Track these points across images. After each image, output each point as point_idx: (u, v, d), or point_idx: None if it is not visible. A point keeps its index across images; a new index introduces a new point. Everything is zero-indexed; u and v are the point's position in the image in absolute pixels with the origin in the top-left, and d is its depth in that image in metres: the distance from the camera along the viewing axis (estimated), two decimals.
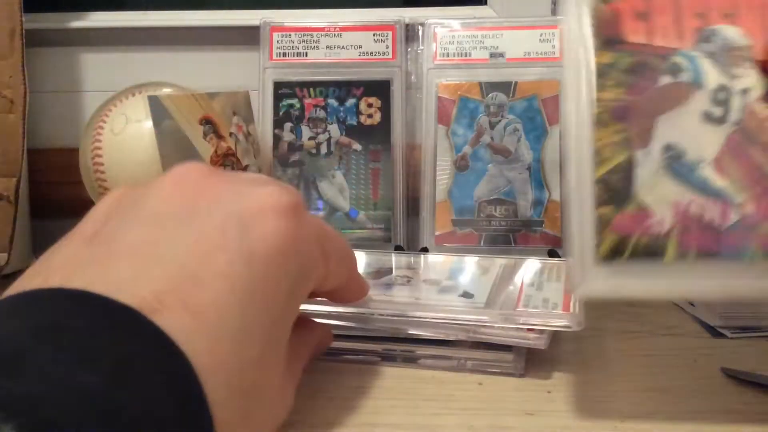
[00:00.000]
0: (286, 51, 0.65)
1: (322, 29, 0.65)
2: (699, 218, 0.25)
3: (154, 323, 0.21)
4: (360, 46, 0.65)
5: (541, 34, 0.62)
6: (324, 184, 0.64)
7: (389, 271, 0.50)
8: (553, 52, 0.61)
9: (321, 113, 0.64)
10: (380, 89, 0.64)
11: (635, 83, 0.26)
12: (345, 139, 0.64)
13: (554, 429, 0.31)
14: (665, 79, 0.27)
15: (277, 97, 0.65)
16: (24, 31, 0.60)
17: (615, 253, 0.25)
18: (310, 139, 0.65)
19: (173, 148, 0.55)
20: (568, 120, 0.26)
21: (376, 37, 0.65)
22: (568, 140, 0.26)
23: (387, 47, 0.65)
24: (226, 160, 0.59)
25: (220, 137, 0.59)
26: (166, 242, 0.24)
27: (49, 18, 0.69)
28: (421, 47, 0.64)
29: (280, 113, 0.65)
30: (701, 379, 0.37)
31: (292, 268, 0.26)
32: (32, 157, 0.65)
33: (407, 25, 0.65)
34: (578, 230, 0.25)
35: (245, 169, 0.61)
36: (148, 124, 0.54)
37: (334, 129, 0.64)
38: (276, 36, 0.65)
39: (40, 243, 0.68)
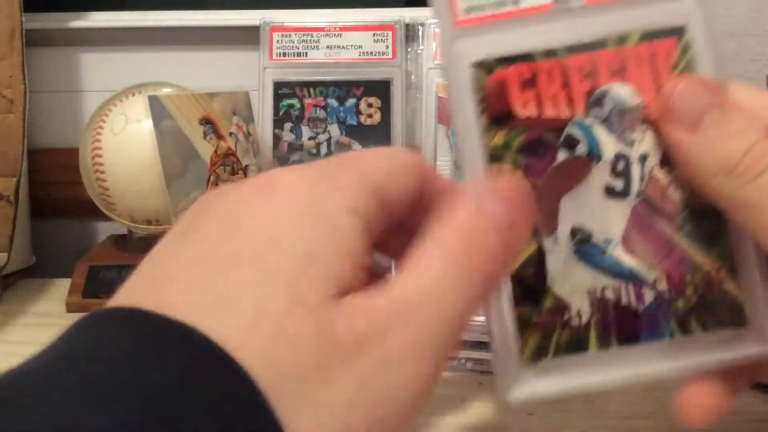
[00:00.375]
0: (286, 51, 0.65)
1: (322, 29, 0.65)
2: (616, 304, 0.24)
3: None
4: (360, 46, 0.65)
5: None
6: None
7: (390, 269, 0.50)
8: None
9: (321, 113, 0.64)
10: (380, 89, 0.64)
11: (532, 164, 0.24)
12: (345, 139, 0.64)
13: (554, 429, 0.31)
14: (562, 155, 0.25)
15: (277, 97, 0.65)
16: (24, 31, 0.60)
17: (539, 353, 0.24)
18: (310, 139, 0.65)
19: (173, 148, 0.55)
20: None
21: (376, 37, 0.65)
22: None
23: (387, 47, 0.65)
24: (226, 160, 0.59)
25: (220, 137, 0.59)
26: None
27: (49, 18, 0.69)
28: (421, 47, 0.64)
29: (280, 113, 0.65)
30: None
31: None
32: (32, 157, 0.65)
33: (407, 25, 0.65)
34: (499, 333, 0.24)
35: (245, 168, 0.61)
36: (148, 124, 0.54)
37: (334, 129, 0.64)
38: (276, 36, 0.65)
39: (39, 243, 0.68)
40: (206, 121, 0.57)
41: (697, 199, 0.24)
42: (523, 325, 0.24)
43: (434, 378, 0.20)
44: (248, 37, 0.67)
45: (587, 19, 0.25)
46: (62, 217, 0.71)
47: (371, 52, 0.65)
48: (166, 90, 0.59)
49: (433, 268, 0.20)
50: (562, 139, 0.25)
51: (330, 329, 0.18)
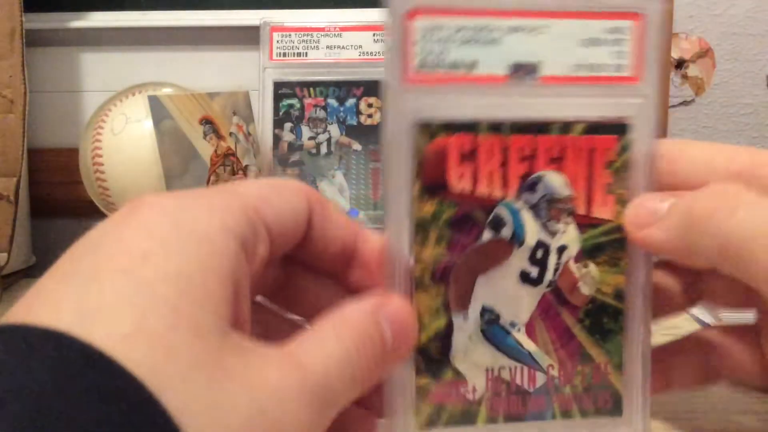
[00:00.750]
0: (286, 51, 0.65)
1: (322, 29, 0.65)
2: (509, 383, 0.25)
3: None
4: (360, 46, 0.65)
5: None
6: (324, 184, 0.64)
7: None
8: None
9: (321, 113, 0.64)
10: (380, 89, 0.64)
11: (457, 239, 0.24)
12: (345, 139, 0.64)
13: None
14: (487, 235, 0.25)
15: (277, 97, 0.65)
16: (24, 31, 0.60)
17: (432, 422, 0.25)
18: (310, 139, 0.65)
19: (173, 148, 0.55)
20: (388, 277, 0.24)
21: (376, 37, 0.65)
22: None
23: None
24: (226, 160, 0.59)
25: (220, 137, 0.59)
26: None
27: (49, 18, 0.69)
28: None
29: (280, 113, 0.65)
30: None
31: None
32: (32, 157, 0.65)
33: None
34: (397, 399, 0.24)
35: (245, 168, 0.61)
36: (148, 124, 0.54)
37: (334, 129, 0.64)
38: (276, 36, 0.65)
39: (39, 243, 0.68)
40: (206, 121, 0.57)
41: (600, 297, 0.26)
42: (421, 394, 0.25)
43: None
44: (248, 37, 0.67)
45: (539, 99, 0.24)
46: (62, 217, 0.71)
47: (371, 52, 0.65)
48: (166, 90, 0.59)
49: (327, 352, 0.20)
50: (490, 219, 0.25)
51: (221, 357, 0.18)
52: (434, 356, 0.25)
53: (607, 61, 0.25)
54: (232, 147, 0.60)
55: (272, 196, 0.22)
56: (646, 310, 0.26)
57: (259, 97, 0.65)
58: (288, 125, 0.65)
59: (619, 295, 0.26)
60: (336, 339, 0.21)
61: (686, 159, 0.26)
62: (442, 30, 0.24)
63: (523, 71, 0.24)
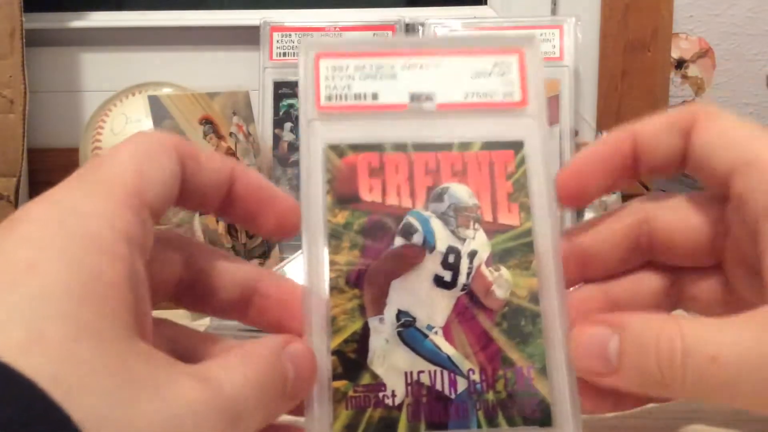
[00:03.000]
0: (286, 51, 0.65)
1: (322, 29, 0.65)
2: (429, 388, 0.25)
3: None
4: None
5: (541, 34, 0.62)
6: None
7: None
8: (553, 52, 0.61)
9: None
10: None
11: (369, 246, 0.26)
12: None
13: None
14: (399, 241, 0.26)
15: (277, 97, 0.65)
16: (24, 31, 0.60)
17: (350, 428, 0.25)
18: None
19: None
20: (306, 281, 0.25)
21: (376, 37, 0.65)
22: (305, 303, 0.25)
23: None
24: None
25: (220, 137, 0.59)
26: None
27: (49, 18, 0.69)
28: None
29: (280, 113, 0.65)
30: None
31: None
32: (32, 157, 0.65)
33: (407, 25, 0.65)
34: (316, 403, 0.24)
35: None
36: (148, 123, 0.54)
37: None
38: (276, 36, 0.65)
39: None
40: (206, 121, 0.57)
41: (516, 301, 0.26)
42: (338, 399, 0.25)
43: None
44: (248, 37, 0.67)
45: (437, 122, 0.27)
46: None
47: None
48: (166, 90, 0.59)
49: (234, 375, 0.20)
50: (400, 226, 0.26)
51: (127, 365, 0.17)
52: (350, 359, 0.25)
53: (496, 89, 0.28)
54: (232, 147, 0.60)
55: (147, 167, 0.21)
56: (563, 314, 0.26)
57: (259, 97, 0.65)
58: (288, 125, 0.65)
59: (534, 298, 0.26)
60: (242, 365, 0.21)
61: (705, 131, 0.25)
62: (345, 69, 0.27)
63: (421, 99, 0.27)
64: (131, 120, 0.57)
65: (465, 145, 0.27)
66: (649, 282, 0.28)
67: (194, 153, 0.24)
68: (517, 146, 0.27)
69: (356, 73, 0.27)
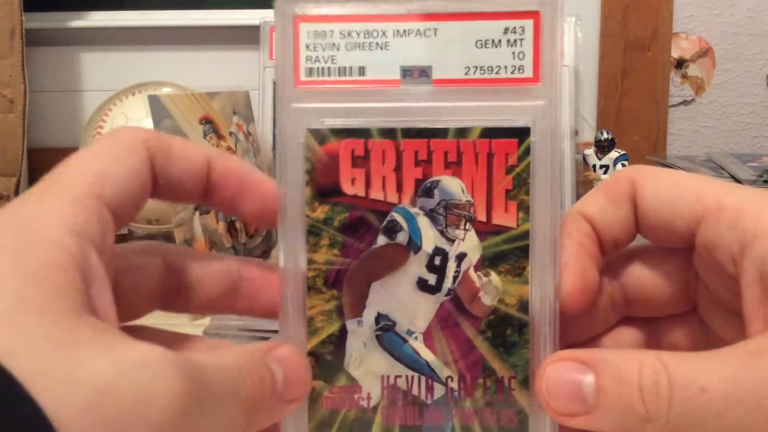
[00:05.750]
0: None
1: None
2: (406, 393, 0.25)
3: None
4: None
5: None
6: None
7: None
8: None
9: None
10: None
11: (350, 244, 0.24)
12: None
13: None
14: (382, 240, 0.24)
15: None
16: (24, 31, 0.60)
17: (324, 428, 0.24)
18: None
19: None
20: (283, 281, 0.24)
21: None
22: (283, 302, 0.24)
23: None
24: None
25: (220, 137, 0.59)
26: None
27: (49, 18, 0.69)
28: None
29: None
30: None
31: None
32: (32, 156, 0.65)
33: None
34: None
35: None
36: (148, 123, 0.54)
37: None
38: None
39: None
40: (206, 121, 0.57)
41: (504, 309, 0.25)
42: (313, 399, 0.24)
43: None
44: (248, 37, 0.67)
45: (432, 103, 0.24)
46: None
47: None
48: (166, 90, 0.59)
49: (208, 358, 0.20)
50: (384, 223, 0.24)
51: (74, 331, 0.18)
52: (327, 361, 0.24)
53: (504, 63, 0.24)
54: (232, 146, 0.60)
55: (110, 167, 0.22)
56: (554, 323, 0.24)
57: (259, 96, 0.65)
58: None
59: (524, 307, 0.25)
60: (217, 353, 0.21)
61: (652, 191, 0.24)
62: (329, 35, 0.24)
63: (414, 74, 0.24)
64: (131, 119, 0.57)
65: (462, 132, 0.24)
66: (629, 336, 0.27)
67: (165, 145, 0.23)
68: (522, 134, 0.24)
69: (342, 42, 0.24)
